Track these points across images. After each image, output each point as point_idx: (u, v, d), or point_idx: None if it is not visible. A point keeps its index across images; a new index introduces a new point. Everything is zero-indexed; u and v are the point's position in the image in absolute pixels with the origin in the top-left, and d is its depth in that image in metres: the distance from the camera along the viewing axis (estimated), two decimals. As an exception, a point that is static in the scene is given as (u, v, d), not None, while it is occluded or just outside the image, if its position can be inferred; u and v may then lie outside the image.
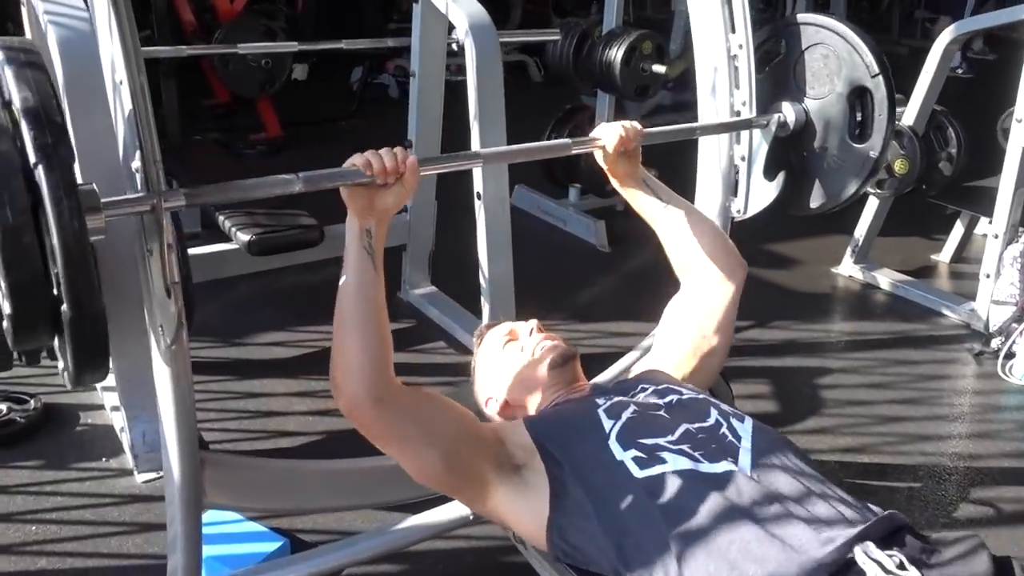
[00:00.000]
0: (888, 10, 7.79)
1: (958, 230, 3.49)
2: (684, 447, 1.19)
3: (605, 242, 3.53)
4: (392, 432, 1.24)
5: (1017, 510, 2.08)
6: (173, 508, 1.34)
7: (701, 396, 1.34)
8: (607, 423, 1.25)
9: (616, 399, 1.32)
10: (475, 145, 2.20)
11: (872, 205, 3.24)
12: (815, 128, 1.74)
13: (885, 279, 3.26)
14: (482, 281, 2.56)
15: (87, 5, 1.50)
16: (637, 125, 1.51)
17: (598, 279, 3.32)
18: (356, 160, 1.26)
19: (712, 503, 1.11)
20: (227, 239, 2.58)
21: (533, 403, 1.46)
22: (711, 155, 1.86)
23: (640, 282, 3.32)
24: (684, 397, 1.32)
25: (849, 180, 1.70)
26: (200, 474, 1.32)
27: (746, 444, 1.21)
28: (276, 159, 4.38)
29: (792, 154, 1.79)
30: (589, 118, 3.77)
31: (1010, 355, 2.71)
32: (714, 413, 1.28)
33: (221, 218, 2.57)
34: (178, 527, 1.34)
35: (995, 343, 2.78)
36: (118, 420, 2.17)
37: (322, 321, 2.84)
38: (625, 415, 1.26)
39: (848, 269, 3.37)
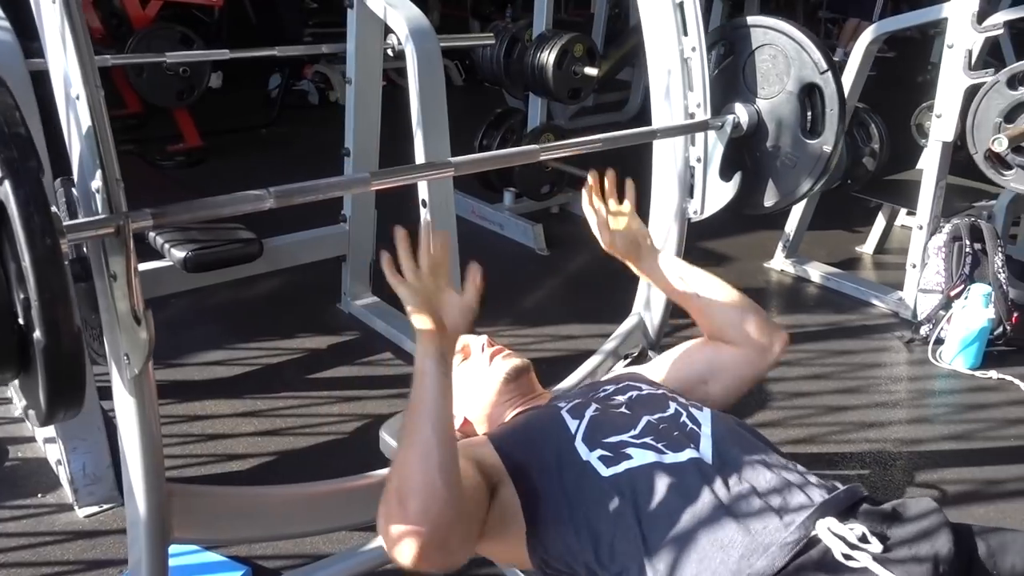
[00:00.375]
0: (792, 9, 8.04)
1: (880, 222, 3.63)
2: (647, 439, 1.19)
3: (543, 245, 3.53)
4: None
5: (960, 491, 2.17)
6: (138, 547, 1.26)
7: (660, 391, 1.35)
8: (572, 423, 1.24)
9: (577, 401, 1.31)
10: (419, 153, 2.16)
11: (802, 201, 3.33)
12: (767, 127, 1.77)
13: (816, 272, 3.36)
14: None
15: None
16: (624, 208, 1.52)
17: (540, 282, 3.32)
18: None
19: (678, 494, 1.12)
20: (158, 255, 2.46)
21: (492, 418, 1.44)
22: (667, 158, 1.87)
23: (581, 284, 3.34)
24: (643, 392, 1.33)
25: (803, 177, 1.74)
26: (167, 509, 1.25)
27: (706, 430, 1.22)
28: (198, 170, 4.23)
29: (746, 154, 1.82)
30: (520, 121, 3.77)
31: (939, 341, 2.82)
32: (673, 405, 1.28)
33: (152, 234, 2.45)
34: (144, 567, 1.26)
35: (924, 330, 2.90)
36: (53, 452, 2.04)
37: (262, 337, 2.76)
38: (588, 414, 1.26)
39: (780, 263, 3.46)
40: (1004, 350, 2.80)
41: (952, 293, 2.87)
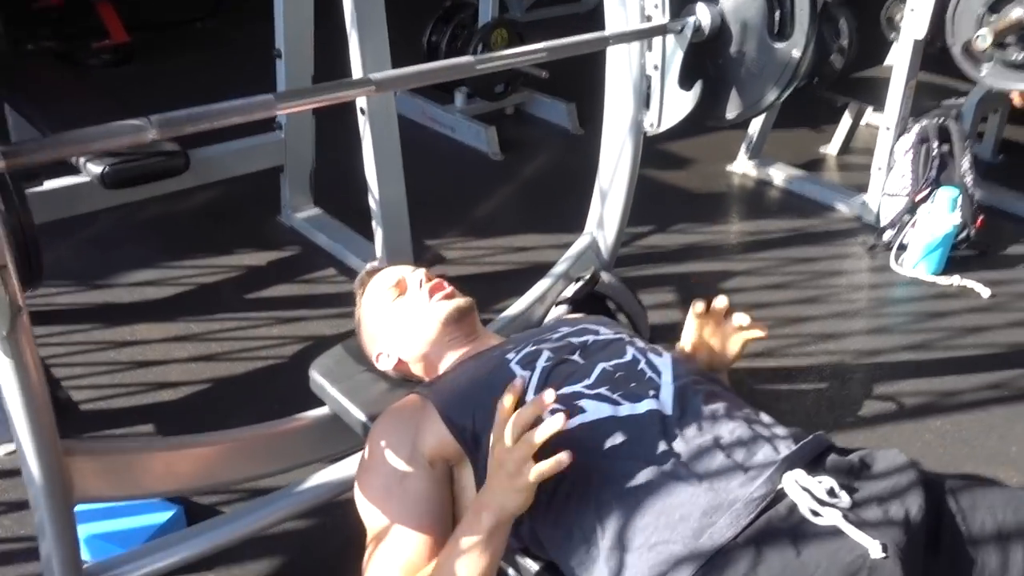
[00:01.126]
0: None
1: (846, 121, 3.50)
2: (602, 390, 1.11)
3: (497, 149, 3.35)
4: None
5: (917, 403, 2.13)
6: (40, 510, 1.15)
7: (618, 336, 1.25)
8: (521, 374, 1.15)
9: (528, 348, 1.21)
10: (355, 61, 1.97)
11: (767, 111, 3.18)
12: (731, 31, 1.60)
13: (779, 174, 3.25)
14: (372, 205, 2.36)
15: None
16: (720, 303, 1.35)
17: (493, 190, 3.16)
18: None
19: (634, 450, 1.04)
20: (75, 171, 2.26)
21: (430, 360, 1.35)
22: (621, 66, 1.71)
23: (536, 191, 3.19)
24: (600, 337, 1.23)
25: (769, 85, 1.59)
26: (65, 469, 1.13)
27: (667, 378, 1.14)
28: (124, 72, 3.93)
29: (708, 61, 1.65)
30: (472, 15, 3.53)
31: (902, 247, 2.75)
32: (631, 350, 1.20)
33: (66, 146, 2.24)
34: (47, 531, 1.16)
35: (887, 236, 2.82)
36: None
37: (196, 254, 2.59)
38: (540, 364, 1.17)
39: (743, 166, 3.33)
40: (967, 255, 2.73)
41: (918, 198, 2.78)
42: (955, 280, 2.63)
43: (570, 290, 1.74)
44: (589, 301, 1.73)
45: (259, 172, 2.65)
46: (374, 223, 2.39)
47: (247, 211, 2.82)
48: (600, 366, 1.14)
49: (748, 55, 1.60)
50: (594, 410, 1.08)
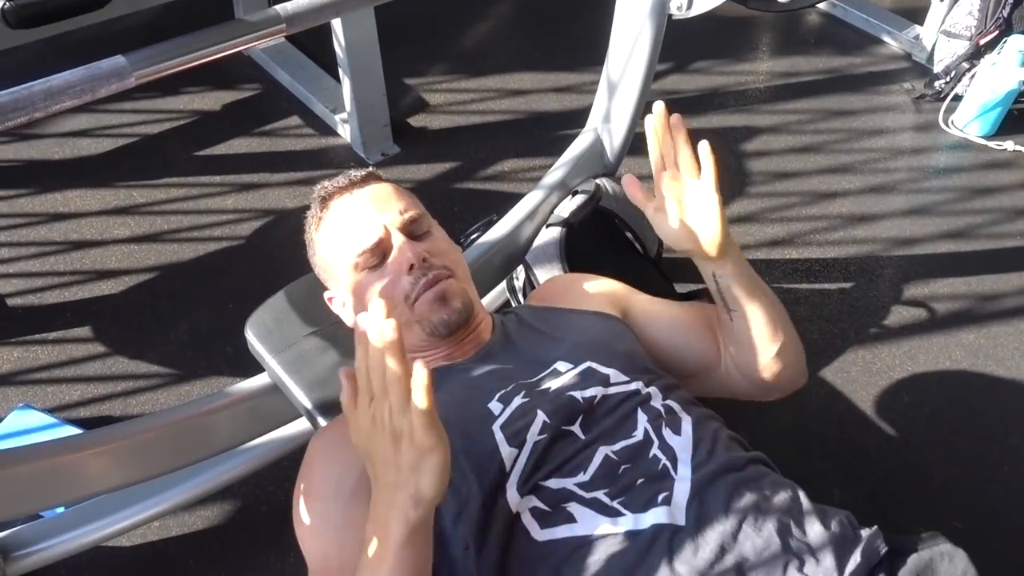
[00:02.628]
0: None
1: (908, -76, 2.96)
2: (599, 494, 0.85)
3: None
4: None
5: (951, 310, 1.90)
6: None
7: (633, 386, 0.96)
8: (507, 455, 0.87)
9: (517, 403, 0.92)
10: None
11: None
12: None
13: (821, -6, 2.77)
14: (337, 48, 1.99)
15: None
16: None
17: (486, 12, 2.70)
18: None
19: None
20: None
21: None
22: (645, -77, 1.29)
23: (539, 17, 2.72)
24: (611, 391, 0.94)
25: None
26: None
27: (683, 470, 0.87)
28: None
29: (762, -70, 1.25)
30: None
31: (955, 99, 2.38)
32: (643, 421, 0.91)
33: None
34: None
35: (938, 84, 2.44)
36: None
37: (137, 94, 2.23)
38: (532, 438, 0.88)
39: (780, -18, 2.84)
40: (1025, 113, 2.38)
41: (982, 42, 2.37)
42: (1008, 144, 2.31)
43: (567, 208, 1.45)
44: (590, 220, 1.45)
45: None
46: (340, 70, 2.03)
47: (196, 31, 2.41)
48: (603, 452, 0.88)
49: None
50: (585, 522, 0.83)
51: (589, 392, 0.93)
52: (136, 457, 1.10)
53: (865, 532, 0.85)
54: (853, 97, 2.47)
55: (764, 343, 1.02)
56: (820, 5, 2.77)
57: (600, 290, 1.14)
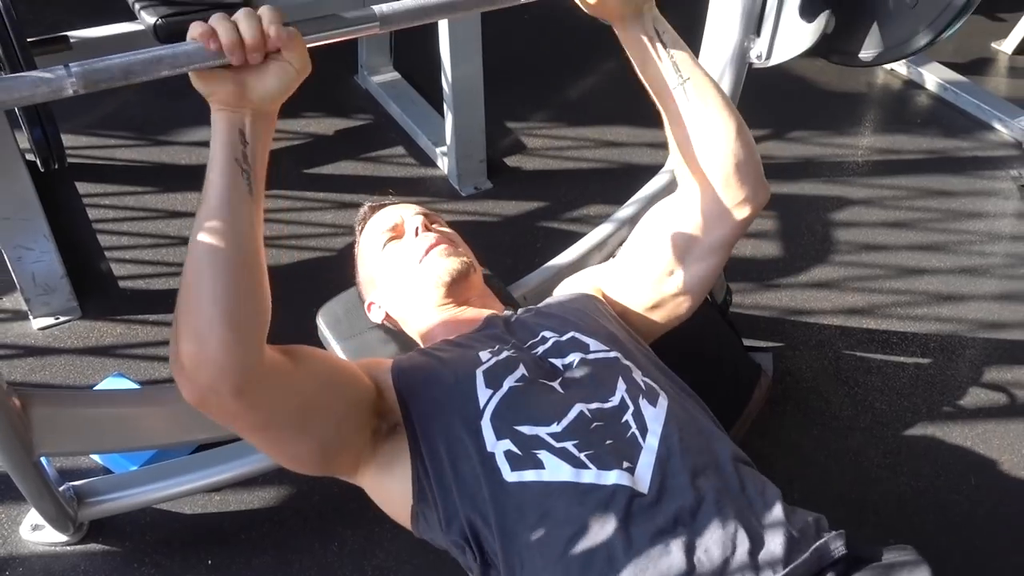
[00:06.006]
0: None
1: (1031, 15, 2.92)
2: (569, 444, 0.91)
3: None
4: (258, 426, 0.91)
5: (1032, 399, 1.83)
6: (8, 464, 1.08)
7: (612, 354, 1.02)
8: (483, 394, 0.96)
9: (504, 355, 1.01)
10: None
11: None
12: (881, -50, 1.23)
13: (932, 77, 2.76)
14: (444, 85, 2.12)
15: None
16: None
17: (593, 66, 2.81)
18: (194, 31, 0.81)
19: (585, 534, 0.86)
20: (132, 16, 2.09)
21: (418, 323, 1.20)
22: (730, -22, 1.36)
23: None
24: (590, 356, 1.01)
25: (923, 25, 1.22)
26: (21, 427, 1.04)
27: (652, 440, 0.92)
28: None
29: (843, -14, 1.29)
30: None
31: (1063, 192, 2.32)
32: (621, 389, 0.97)
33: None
34: (19, 483, 1.09)
35: (1048, 173, 2.39)
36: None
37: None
38: (507, 384, 0.97)
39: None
40: None
41: (1097, 134, 2.31)
42: (1120, 241, 2.22)
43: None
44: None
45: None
46: (445, 106, 2.17)
47: (320, 68, 2.58)
48: (578, 408, 0.94)
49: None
50: (553, 469, 0.90)
51: (570, 357, 1.02)
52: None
53: (829, 534, 0.87)
54: (955, 179, 2.43)
55: (722, 118, 1.03)
56: (931, 87, 2.76)
57: (580, 277, 1.27)
